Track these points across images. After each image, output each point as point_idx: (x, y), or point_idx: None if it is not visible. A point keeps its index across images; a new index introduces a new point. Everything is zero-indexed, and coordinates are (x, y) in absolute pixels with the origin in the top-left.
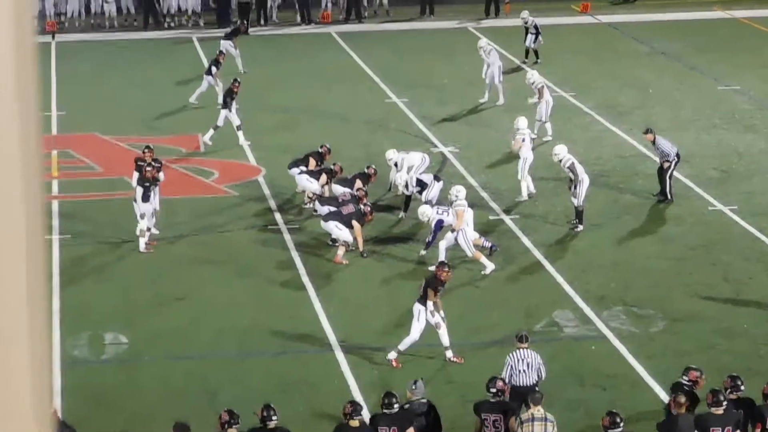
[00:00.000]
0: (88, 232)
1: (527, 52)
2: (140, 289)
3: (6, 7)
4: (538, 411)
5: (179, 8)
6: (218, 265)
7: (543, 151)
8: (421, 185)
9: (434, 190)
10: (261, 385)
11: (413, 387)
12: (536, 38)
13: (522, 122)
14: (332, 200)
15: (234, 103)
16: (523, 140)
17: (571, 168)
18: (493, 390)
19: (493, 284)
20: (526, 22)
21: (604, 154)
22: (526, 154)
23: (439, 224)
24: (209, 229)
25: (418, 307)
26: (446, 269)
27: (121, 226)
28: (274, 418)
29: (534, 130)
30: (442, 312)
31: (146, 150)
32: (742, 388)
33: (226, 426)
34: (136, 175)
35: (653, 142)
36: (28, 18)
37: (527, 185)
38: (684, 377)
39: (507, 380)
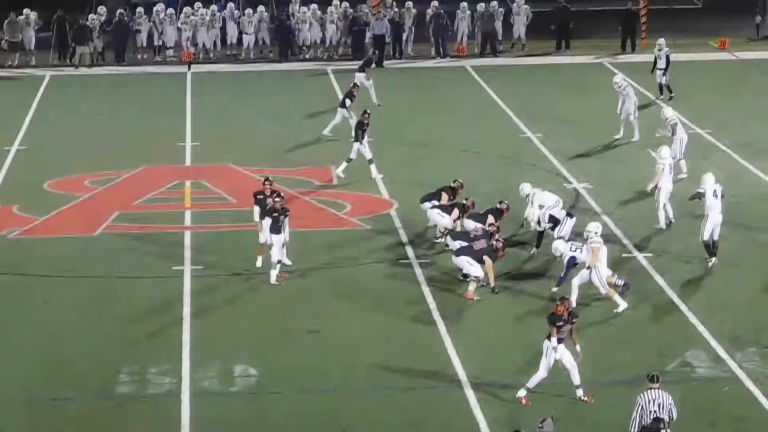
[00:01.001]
0: (219, 263)
1: (661, 88)
2: (270, 322)
3: None
4: None
5: (314, 40)
6: (349, 299)
7: (677, 189)
8: (554, 221)
9: (567, 226)
10: (391, 421)
11: (541, 425)
12: (665, 72)
13: (665, 152)
14: (464, 235)
15: (366, 136)
16: (663, 169)
17: (700, 196)
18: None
19: (626, 323)
20: (660, 49)
21: (741, 193)
22: (665, 184)
23: (572, 261)
24: (340, 262)
25: (546, 344)
26: (562, 303)
27: (253, 257)
28: None
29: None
30: (578, 347)
31: (266, 182)
32: None
33: None
34: (257, 209)
35: None
36: None
37: (666, 213)
38: None
39: (638, 421)
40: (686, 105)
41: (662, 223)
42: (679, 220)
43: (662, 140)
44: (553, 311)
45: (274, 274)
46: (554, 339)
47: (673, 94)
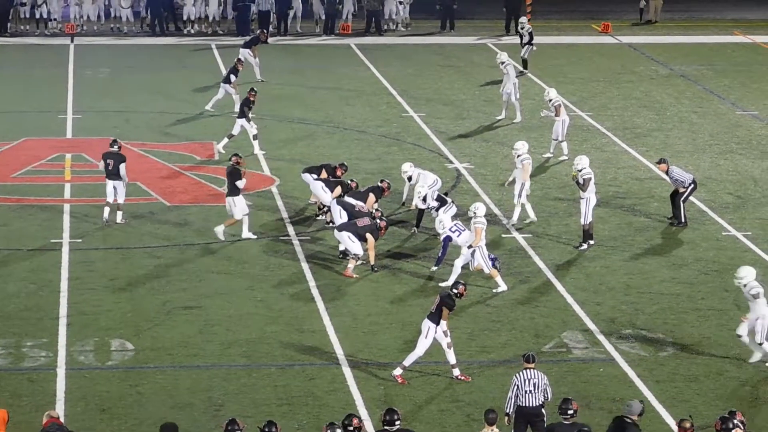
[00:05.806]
0: (99, 236)
1: (525, 63)
2: (148, 297)
3: None
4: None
5: (199, 15)
6: (228, 275)
7: (558, 171)
8: (441, 201)
9: (452, 210)
10: (267, 398)
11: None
12: (527, 47)
13: (526, 146)
14: (348, 206)
15: (250, 113)
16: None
17: (584, 182)
18: (570, 412)
19: (503, 303)
20: (522, 28)
21: (620, 176)
22: (527, 179)
23: (449, 239)
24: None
25: (427, 324)
26: (463, 288)
27: (132, 231)
28: None
29: (550, 149)
30: (448, 332)
31: (235, 156)
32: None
33: None
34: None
35: (666, 173)
36: None
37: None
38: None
39: (513, 400)
40: (568, 87)
41: (533, 216)
42: (558, 202)
43: (546, 121)
44: (459, 295)
45: (107, 210)
46: (444, 322)
47: (526, 70)
